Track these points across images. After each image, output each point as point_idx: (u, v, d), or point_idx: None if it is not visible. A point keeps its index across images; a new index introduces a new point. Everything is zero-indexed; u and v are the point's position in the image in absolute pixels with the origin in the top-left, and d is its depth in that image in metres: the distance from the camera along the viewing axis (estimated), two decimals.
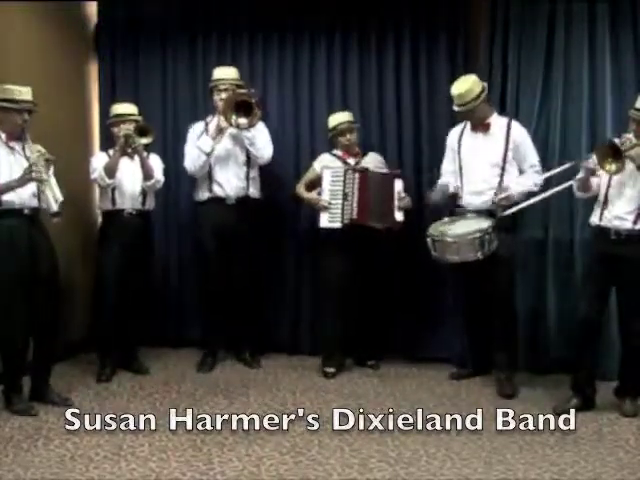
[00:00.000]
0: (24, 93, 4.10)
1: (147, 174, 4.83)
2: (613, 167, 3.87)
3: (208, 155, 4.92)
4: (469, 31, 5.13)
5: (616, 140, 3.97)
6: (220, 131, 4.92)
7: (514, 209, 4.37)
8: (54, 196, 4.04)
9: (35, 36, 5.02)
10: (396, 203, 4.83)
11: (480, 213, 4.49)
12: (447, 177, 4.74)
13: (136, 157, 4.84)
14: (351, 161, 5.00)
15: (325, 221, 4.87)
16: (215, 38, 5.53)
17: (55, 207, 4.02)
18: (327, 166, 4.94)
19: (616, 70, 4.80)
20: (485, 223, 4.33)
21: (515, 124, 4.57)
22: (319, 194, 4.89)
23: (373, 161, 5.03)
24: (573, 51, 4.87)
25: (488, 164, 4.53)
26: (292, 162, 5.42)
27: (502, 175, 4.49)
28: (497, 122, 4.58)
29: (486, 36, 5.04)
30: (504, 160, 4.49)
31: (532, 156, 4.55)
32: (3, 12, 4.67)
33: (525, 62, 4.95)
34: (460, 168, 4.63)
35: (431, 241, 4.37)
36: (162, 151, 5.43)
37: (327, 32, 5.37)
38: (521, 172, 4.55)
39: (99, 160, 4.88)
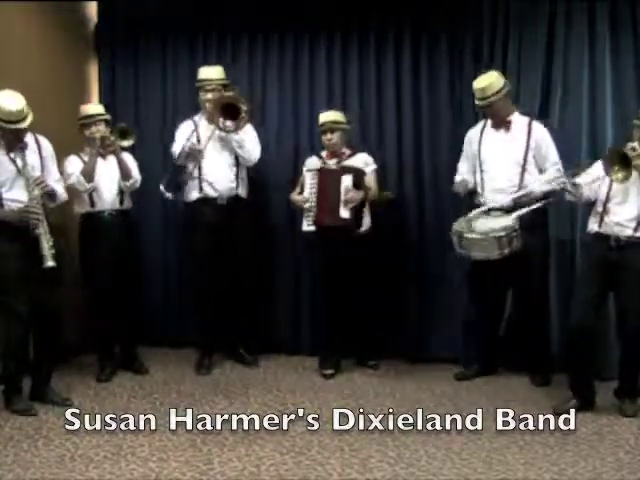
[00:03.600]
0: (11, 114, 4.00)
1: (125, 174, 4.80)
2: (620, 175, 3.85)
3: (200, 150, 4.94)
4: (469, 31, 5.11)
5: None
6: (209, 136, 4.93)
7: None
8: (48, 244, 3.97)
9: (35, 36, 5.03)
10: (342, 198, 4.74)
11: (505, 211, 4.47)
12: (463, 176, 4.75)
13: (110, 157, 4.79)
14: (331, 163, 4.98)
15: (305, 226, 4.89)
16: (215, 38, 5.53)
17: (50, 262, 3.95)
18: (310, 169, 4.94)
19: (616, 70, 4.79)
20: (512, 221, 4.32)
21: (536, 124, 4.58)
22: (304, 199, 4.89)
23: (357, 162, 4.96)
24: (573, 51, 4.87)
25: (509, 162, 4.54)
26: (292, 162, 5.40)
27: (523, 174, 4.51)
28: (518, 121, 4.59)
29: (487, 36, 5.04)
30: (525, 159, 4.51)
31: (553, 155, 4.55)
32: (3, 12, 4.68)
33: (525, 62, 4.95)
34: (481, 164, 4.63)
35: (457, 237, 4.35)
36: (162, 151, 5.44)
37: (327, 32, 5.36)
38: (541, 171, 4.55)
39: (73, 165, 4.76)
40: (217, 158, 5.00)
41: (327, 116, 4.98)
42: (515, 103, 4.91)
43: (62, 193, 4.37)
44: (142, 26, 5.60)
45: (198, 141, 4.98)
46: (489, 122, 4.64)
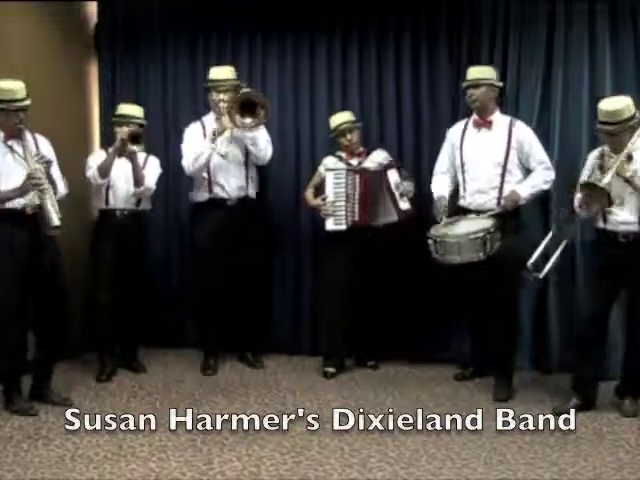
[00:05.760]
0: (16, 92, 4.05)
1: (137, 180, 4.79)
2: (598, 204, 3.99)
3: (223, 156, 4.90)
4: (470, 31, 5.11)
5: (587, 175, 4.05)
6: (221, 132, 4.88)
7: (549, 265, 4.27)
8: (54, 207, 3.96)
9: (35, 36, 5.03)
10: (396, 194, 4.80)
11: (482, 213, 4.43)
12: (439, 177, 4.72)
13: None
14: (354, 162, 4.99)
15: (331, 224, 4.86)
16: (215, 38, 5.53)
17: (56, 221, 3.94)
18: (330, 168, 4.94)
19: (616, 70, 4.80)
20: (487, 223, 4.28)
21: (518, 123, 4.53)
22: (323, 199, 4.89)
23: (377, 158, 4.99)
24: (573, 51, 4.88)
25: (490, 163, 4.47)
26: (292, 162, 5.42)
27: (504, 175, 4.45)
28: (500, 120, 4.54)
29: (487, 36, 5.04)
30: (506, 160, 4.45)
31: (539, 153, 4.49)
32: (3, 12, 4.68)
33: (525, 61, 4.96)
34: (462, 165, 4.58)
35: (432, 242, 4.31)
36: (163, 151, 5.44)
37: (327, 32, 5.36)
38: (529, 171, 4.50)
39: (96, 158, 4.85)
40: (227, 158, 4.96)
41: (342, 117, 4.99)
42: (515, 103, 4.94)
43: (61, 188, 4.31)
44: (142, 26, 5.61)
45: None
46: (470, 122, 4.59)
